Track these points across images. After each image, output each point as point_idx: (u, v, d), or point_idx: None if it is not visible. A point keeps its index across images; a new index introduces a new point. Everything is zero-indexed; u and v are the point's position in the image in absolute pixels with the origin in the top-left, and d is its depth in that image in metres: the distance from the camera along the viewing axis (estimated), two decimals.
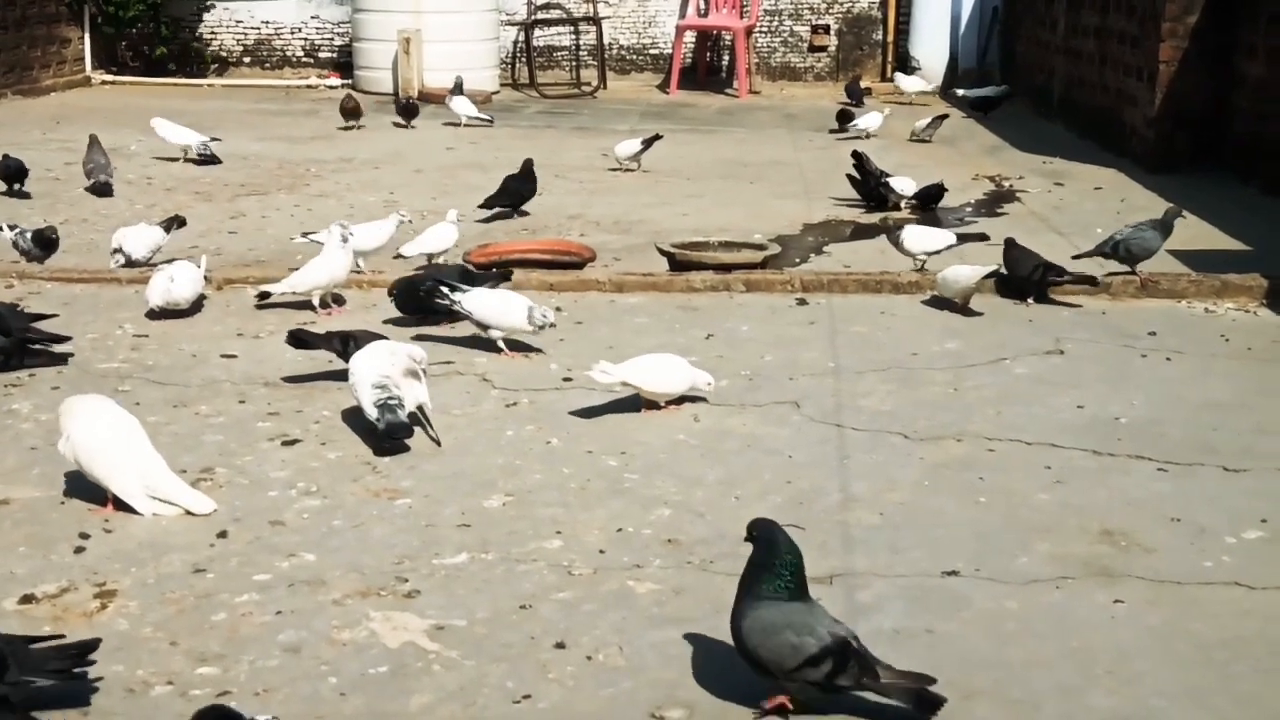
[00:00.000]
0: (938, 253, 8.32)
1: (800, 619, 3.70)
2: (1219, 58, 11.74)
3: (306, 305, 7.55)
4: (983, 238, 8.57)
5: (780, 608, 3.72)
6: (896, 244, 8.40)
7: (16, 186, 10.80)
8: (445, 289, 6.85)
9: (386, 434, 5.53)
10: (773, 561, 3.78)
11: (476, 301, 6.83)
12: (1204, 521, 5.00)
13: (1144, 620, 4.31)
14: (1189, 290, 8.07)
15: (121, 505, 4.92)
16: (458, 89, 15.09)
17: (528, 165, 10.41)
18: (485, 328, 6.83)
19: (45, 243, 8.42)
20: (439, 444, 5.65)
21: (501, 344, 6.84)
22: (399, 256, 8.36)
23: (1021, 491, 5.28)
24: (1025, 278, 7.87)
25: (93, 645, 3.75)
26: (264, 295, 7.57)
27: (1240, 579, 4.56)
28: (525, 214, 10.28)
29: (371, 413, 5.55)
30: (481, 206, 10.09)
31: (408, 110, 14.92)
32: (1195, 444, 5.76)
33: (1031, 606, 4.38)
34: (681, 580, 4.50)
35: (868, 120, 14.33)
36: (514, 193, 10.22)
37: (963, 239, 8.46)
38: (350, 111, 14.56)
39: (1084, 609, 4.38)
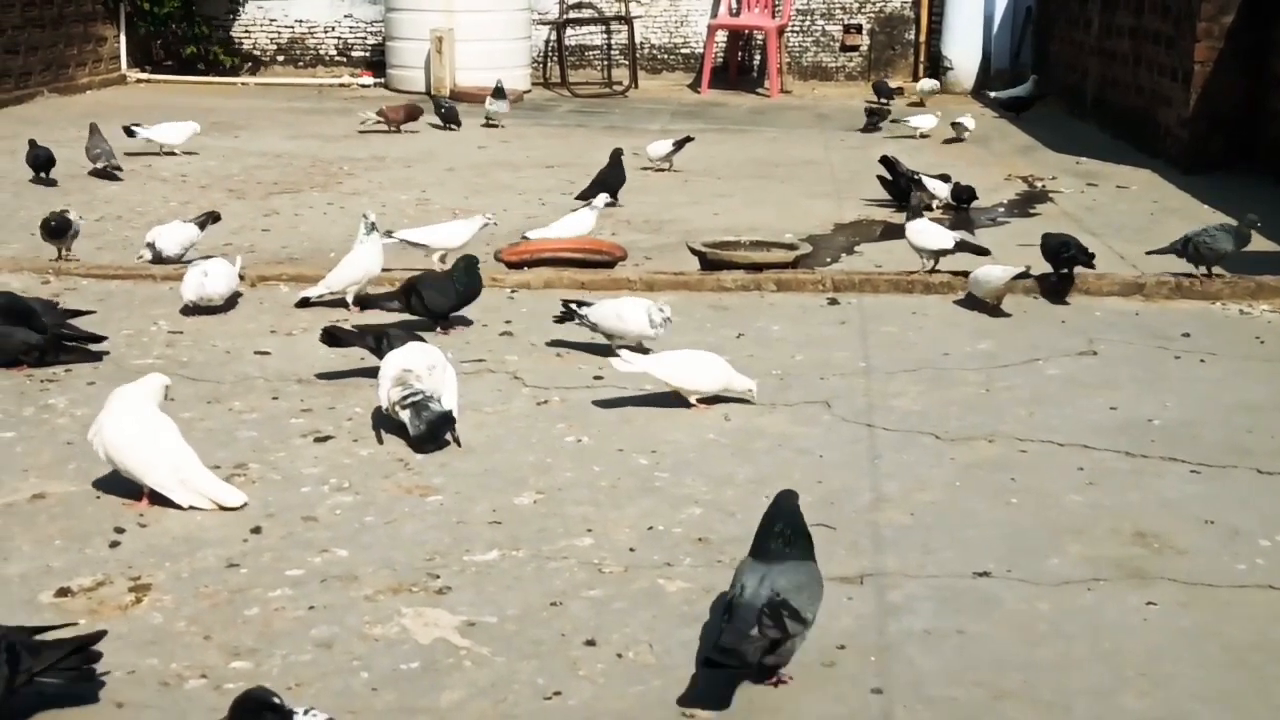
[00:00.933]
0: (938, 253, 8.16)
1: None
2: (1255, 58, 11.67)
3: (341, 303, 7.58)
4: (983, 252, 8.18)
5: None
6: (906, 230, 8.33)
7: (43, 175, 11.02)
8: (574, 305, 6.78)
9: (430, 434, 5.54)
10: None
11: (599, 313, 6.69)
12: (1237, 524, 4.97)
13: (1176, 622, 4.29)
14: (1223, 292, 8.03)
15: (158, 499, 4.96)
16: (499, 93, 14.86)
17: (616, 155, 10.62)
18: (610, 337, 6.69)
19: (51, 231, 8.36)
20: (459, 444, 5.64)
21: (620, 352, 6.33)
22: (525, 238, 8.84)
23: (1053, 492, 5.26)
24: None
25: (98, 637, 3.76)
26: (304, 301, 7.59)
27: (1274, 582, 4.54)
28: (617, 204, 10.37)
29: (401, 415, 5.57)
30: (578, 198, 10.24)
31: (449, 115, 14.55)
32: (1229, 446, 5.73)
33: (1063, 608, 4.36)
34: (712, 579, 4.50)
35: (920, 120, 14.25)
36: (606, 184, 10.41)
37: (960, 246, 8.12)
38: (411, 116, 14.20)
39: (1116, 611, 4.36)
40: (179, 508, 4.93)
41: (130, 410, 5.05)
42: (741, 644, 3.68)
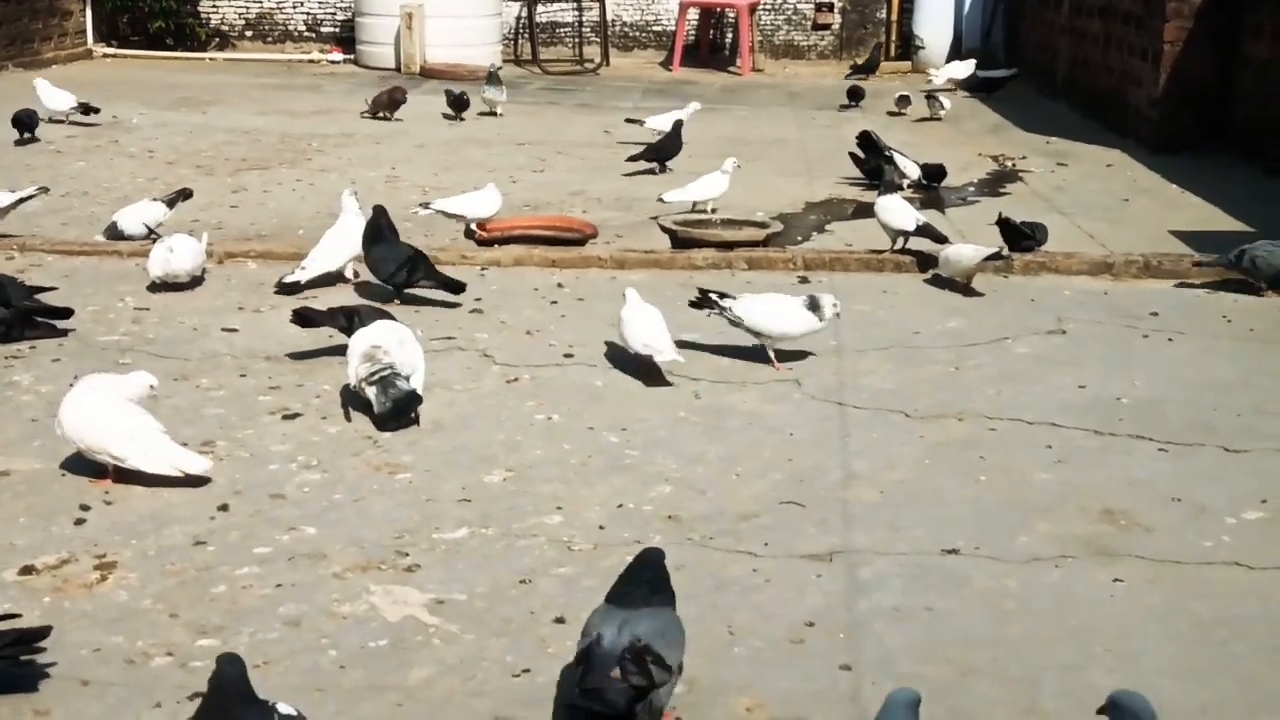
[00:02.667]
0: (899, 233, 8.10)
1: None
2: (1224, 38, 11.71)
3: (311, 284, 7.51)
4: (941, 240, 7.99)
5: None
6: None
7: (26, 135, 11.63)
8: (715, 296, 6.41)
9: (394, 411, 5.50)
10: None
11: (748, 308, 6.32)
12: (1204, 501, 5.00)
13: (1144, 599, 4.31)
14: (1191, 271, 8.05)
15: (123, 476, 4.92)
16: (494, 79, 14.00)
17: (677, 125, 11.13)
18: (758, 335, 6.36)
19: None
20: (418, 423, 5.61)
21: (771, 354, 6.36)
22: (661, 200, 9.16)
23: (1022, 471, 5.28)
24: None
25: (43, 633, 3.72)
26: (292, 286, 7.24)
27: (1240, 559, 4.57)
28: (669, 170, 10.88)
29: (367, 391, 5.54)
30: (630, 159, 10.97)
31: (459, 103, 13.63)
32: (1196, 424, 5.76)
33: (1031, 585, 4.38)
34: (682, 556, 4.50)
35: (947, 102, 14.11)
36: (664, 150, 10.98)
37: (921, 231, 7.99)
38: (395, 104, 13.55)
39: (1084, 588, 4.38)
40: (145, 484, 4.89)
41: (91, 389, 5.01)
42: (605, 685, 3.36)
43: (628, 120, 12.49)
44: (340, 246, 7.46)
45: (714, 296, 6.39)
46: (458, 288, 7.17)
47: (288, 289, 7.34)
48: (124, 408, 4.99)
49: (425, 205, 8.67)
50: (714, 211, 9.19)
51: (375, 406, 5.53)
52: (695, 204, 9.26)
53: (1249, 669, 3.93)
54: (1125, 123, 12.75)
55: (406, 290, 7.16)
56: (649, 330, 6.12)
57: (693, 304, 6.52)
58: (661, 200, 9.23)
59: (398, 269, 7.13)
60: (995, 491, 5.09)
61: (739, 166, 9.53)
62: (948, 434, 5.65)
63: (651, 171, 10.93)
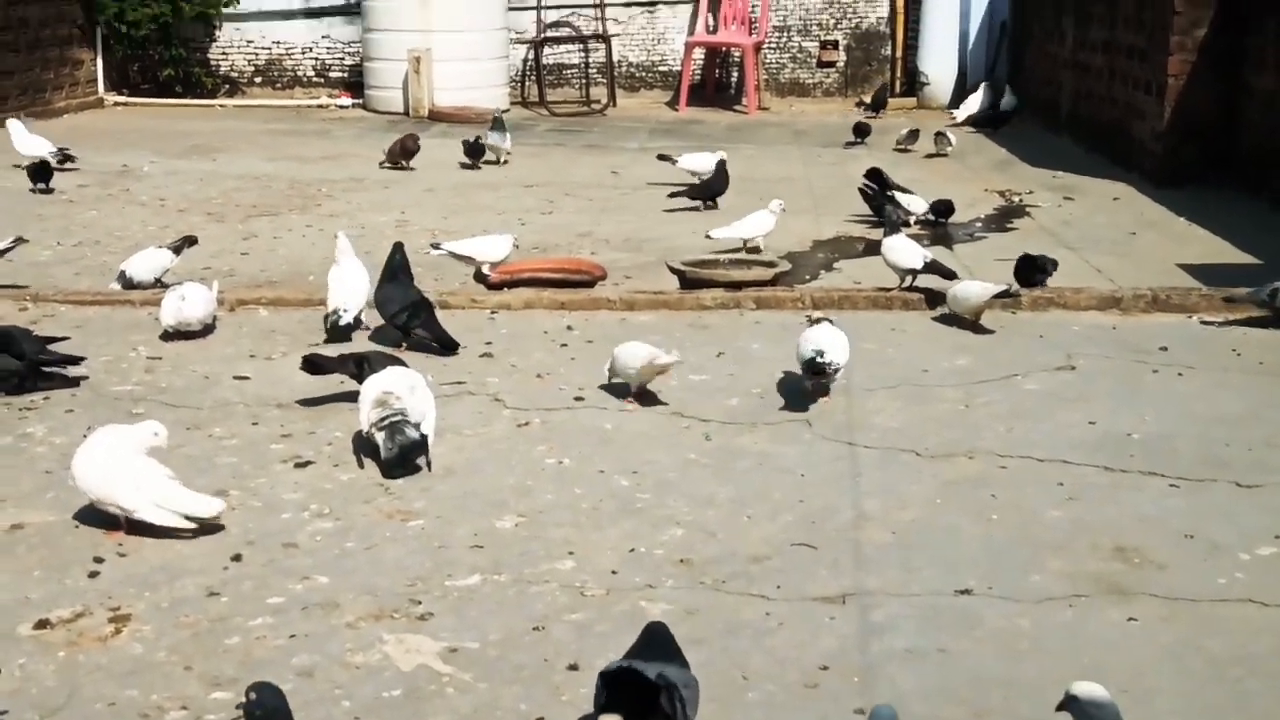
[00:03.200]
0: (908, 271, 8.13)
1: None
2: (1228, 70, 11.74)
3: (318, 326, 7.54)
4: (951, 275, 8.04)
5: None
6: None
7: (41, 186, 11.75)
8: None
9: (400, 455, 5.53)
10: None
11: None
12: (1217, 538, 4.99)
13: (1157, 638, 4.30)
14: (1200, 305, 8.06)
15: (136, 528, 4.94)
16: (499, 124, 13.73)
17: (721, 164, 11.29)
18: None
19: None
20: (430, 468, 5.63)
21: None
22: (709, 237, 9.39)
23: (1033, 508, 5.28)
24: None
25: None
26: (348, 329, 7.11)
27: (1254, 596, 4.56)
28: (716, 207, 11.11)
29: (376, 437, 5.57)
30: (672, 195, 11.31)
31: (475, 150, 13.35)
32: (1207, 460, 5.75)
33: (1044, 624, 4.37)
34: (694, 600, 4.50)
35: (954, 137, 14.24)
36: (711, 188, 11.23)
37: (929, 268, 8.04)
38: (408, 153, 13.25)
39: (1097, 627, 4.37)
40: (157, 535, 4.91)
41: (103, 440, 5.04)
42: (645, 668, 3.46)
43: (659, 157, 12.56)
44: (358, 281, 7.52)
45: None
46: (451, 346, 7.19)
47: (343, 332, 7.37)
48: (133, 458, 5.01)
49: (436, 246, 8.74)
50: (758, 251, 9.42)
51: (382, 452, 5.55)
52: (745, 241, 9.49)
53: (1264, 707, 3.92)
54: (1131, 156, 12.79)
55: (405, 333, 7.19)
56: (643, 350, 6.40)
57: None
58: (709, 237, 9.48)
59: (399, 310, 7.20)
60: (1007, 530, 5.09)
61: (784, 209, 9.72)
62: (958, 472, 5.66)
63: (695, 209, 11.13)
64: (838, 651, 4.21)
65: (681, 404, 6.46)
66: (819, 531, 5.07)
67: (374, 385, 5.72)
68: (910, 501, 5.36)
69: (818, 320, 6.59)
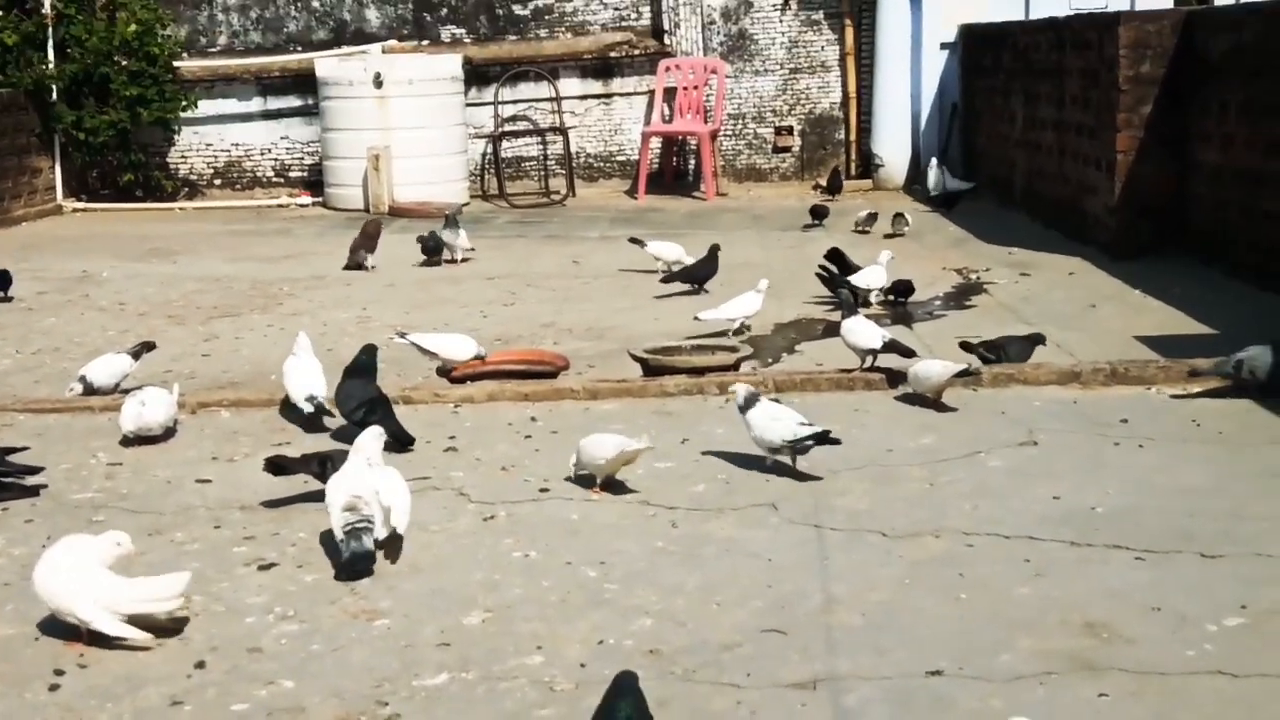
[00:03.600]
0: (868, 352, 8.21)
1: None
2: (1175, 145, 11.96)
3: (281, 426, 7.52)
4: (909, 354, 8.15)
5: None
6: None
7: (1, 294, 11.66)
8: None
9: (349, 563, 5.51)
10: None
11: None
12: (1184, 610, 5.00)
13: (1129, 713, 4.29)
14: (1158, 376, 8.13)
15: (96, 638, 4.87)
16: (452, 221, 13.50)
17: (713, 250, 11.57)
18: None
19: None
20: (393, 562, 5.62)
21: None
22: (698, 319, 9.68)
23: (1001, 586, 5.28)
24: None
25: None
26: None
27: (1223, 667, 4.55)
28: (706, 291, 11.27)
29: (339, 537, 5.55)
30: (663, 280, 11.49)
31: (433, 248, 13.19)
32: (1172, 531, 5.77)
33: (1016, 704, 4.35)
34: (665, 691, 4.46)
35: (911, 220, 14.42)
36: (697, 275, 11.49)
37: (889, 347, 8.12)
38: (369, 238, 13.09)
39: (1069, 703, 4.36)
40: (119, 645, 4.84)
41: (64, 549, 4.98)
42: None
43: (630, 240, 12.74)
44: (316, 371, 7.76)
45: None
46: (406, 442, 7.16)
47: (315, 417, 7.59)
48: (94, 569, 4.94)
49: (402, 335, 8.78)
50: (747, 330, 9.80)
51: (342, 552, 5.52)
52: (732, 322, 9.76)
53: None
54: (1085, 231, 12.96)
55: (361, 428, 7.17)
56: (611, 440, 6.41)
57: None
58: (698, 319, 9.70)
59: (357, 407, 7.21)
60: (975, 609, 5.08)
61: (769, 286, 10.06)
62: (926, 552, 5.65)
63: (689, 292, 11.36)
64: None
65: (648, 492, 6.45)
66: (788, 616, 5.04)
67: (340, 490, 5.67)
68: (879, 583, 5.34)
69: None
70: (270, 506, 6.38)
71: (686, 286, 11.42)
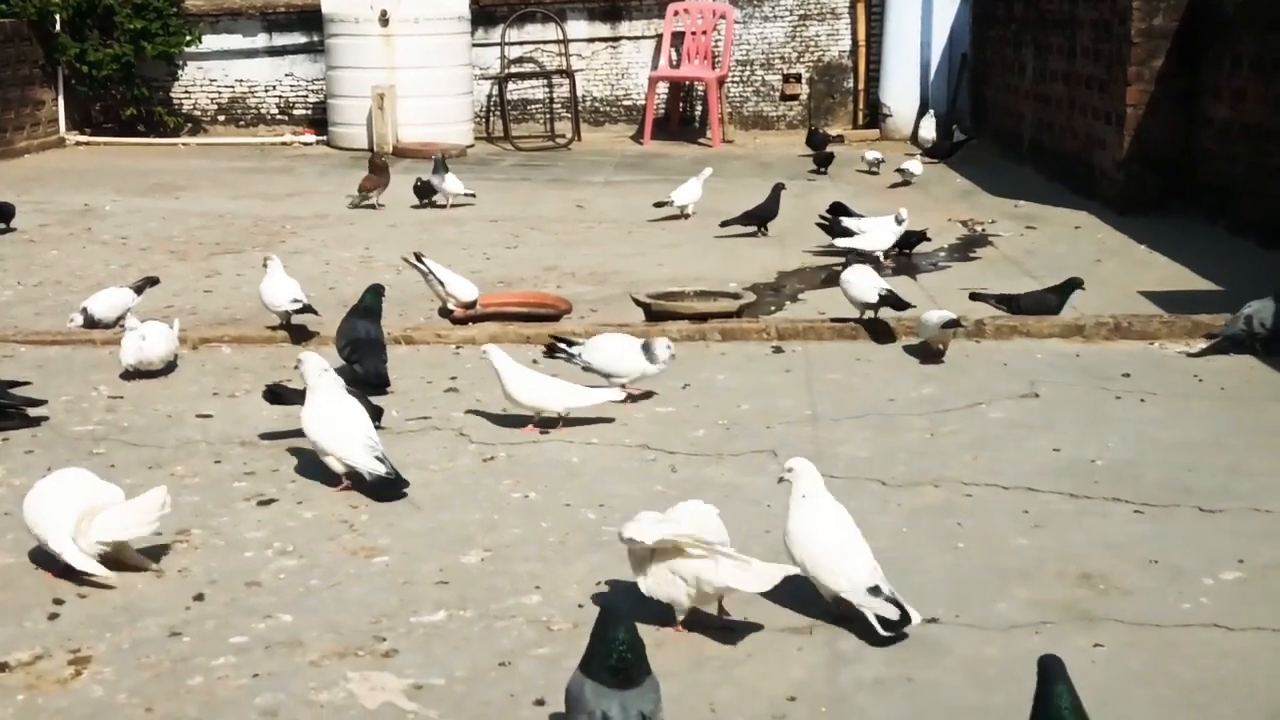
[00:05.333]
0: (864, 305, 8.11)
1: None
2: (1186, 100, 11.88)
3: (282, 364, 7.51)
4: (904, 306, 7.97)
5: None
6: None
7: (2, 226, 11.62)
8: (564, 344, 7.01)
9: (381, 482, 5.59)
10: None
11: (594, 352, 6.90)
12: (1181, 563, 5.01)
13: (1124, 664, 4.31)
14: (1161, 331, 8.12)
15: (67, 571, 4.84)
16: (440, 166, 13.17)
17: (776, 189, 11.74)
18: (608, 376, 6.85)
19: None
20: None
21: (624, 390, 6.86)
22: (660, 204, 11.86)
23: (999, 536, 5.28)
24: None
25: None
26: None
27: (1219, 620, 4.57)
28: (767, 233, 11.52)
29: (365, 464, 5.62)
30: (723, 224, 11.54)
31: (424, 190, 13.14)
32: (1171, 485, 5.78)
33: (1012, 652, 4.37)
34: (661, 634, 4.48)
35: (913, 165, 14.33)
36: (761, 214, 11.59)
37: (884, 301, 7.98)
38: (380, 169, 13.13)
39: (1064, 653, 4.28)
40: (119, 573, 4.85)
41: (57, 480, 4.98)
42: None
43: (656, 204, 12.50)
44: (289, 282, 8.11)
45: (562, 345, 7.03)
46: (380, 384, 7.03)
47: (295, 316, 8.09)
48: (72, 501, 4.88)
49: (419, 257, 8.72)
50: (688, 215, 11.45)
51: (382, 471, 5.64)
52: (682, 209, 11.91)
53: None
54: (1091, 185, 12.89)
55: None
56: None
57: (547, 354, 7.17)
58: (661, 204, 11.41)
59: (344, 345, 7.22)
60: (973, 558, 5.09)
61: (763, 233, 10.92)
62: (925, 501, 5.66)
63: (753, 234, 11.50)
64: (805, 682, 4.20)
65: (648, 436, 6.45)
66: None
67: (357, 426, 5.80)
68: (877, 531, 5.32)
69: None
70: (270, 440, 6.38)
71: (749, 229, 11.52)
